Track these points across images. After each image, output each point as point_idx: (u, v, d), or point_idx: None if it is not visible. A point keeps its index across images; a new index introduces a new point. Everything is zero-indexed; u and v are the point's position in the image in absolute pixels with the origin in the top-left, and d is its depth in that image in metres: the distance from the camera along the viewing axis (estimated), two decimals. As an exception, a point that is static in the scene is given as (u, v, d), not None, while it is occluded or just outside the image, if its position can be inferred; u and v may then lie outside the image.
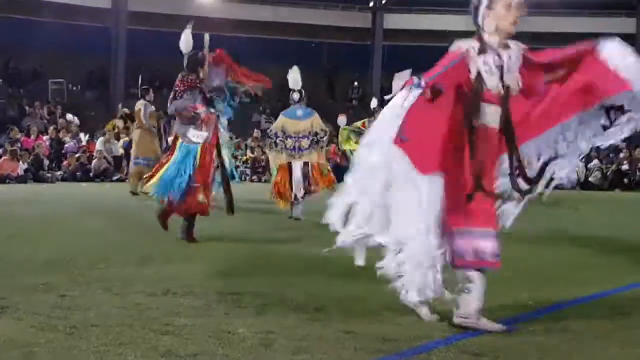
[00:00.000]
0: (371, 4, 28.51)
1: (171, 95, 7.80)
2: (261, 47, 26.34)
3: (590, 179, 22.30)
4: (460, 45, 4.30)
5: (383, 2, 28.57)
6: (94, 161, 19.76)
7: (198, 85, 7.68)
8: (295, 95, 10.55)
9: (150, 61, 26.54)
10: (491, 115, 4.19)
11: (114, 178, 19.42)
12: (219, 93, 7.75)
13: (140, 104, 14.72)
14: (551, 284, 5.62)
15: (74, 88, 26.77)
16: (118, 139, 20.60)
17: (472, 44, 4.27)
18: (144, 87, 16.00)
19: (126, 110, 21.62)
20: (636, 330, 4.23)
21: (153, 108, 14.64)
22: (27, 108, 23.64)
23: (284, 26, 27.11)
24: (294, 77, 10.56)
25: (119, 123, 21.08)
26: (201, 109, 7.57)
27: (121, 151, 20.21)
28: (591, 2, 27.18)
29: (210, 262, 6.31)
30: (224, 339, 3.82)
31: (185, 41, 8.39)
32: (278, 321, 4.20)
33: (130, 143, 19.91)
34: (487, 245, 4.13)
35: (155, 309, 4.44)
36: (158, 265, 6.17)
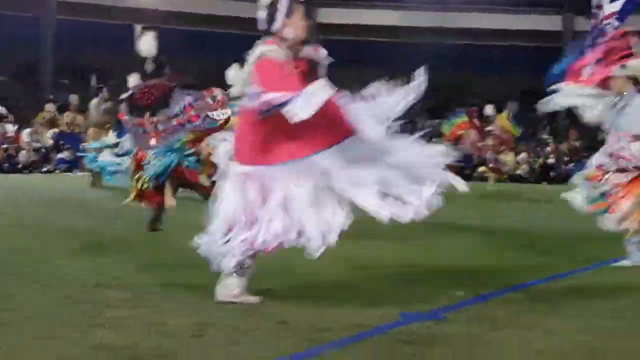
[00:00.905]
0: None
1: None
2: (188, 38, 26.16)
3: (518, 171, 22.72)
4: (276, 55, 4.35)
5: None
6: (21, 152, 19.22)
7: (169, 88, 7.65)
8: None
9: (80, 52, 26.16)
10: None
11: (43, 170, 18.97)
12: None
13: (94, 102, 14.99)
14: (480, 275, 5.72)
15: (2, 79, 26.20)
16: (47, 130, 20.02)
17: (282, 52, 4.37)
18: (98, 85, 16.13)
19: (55, 102, 20.99)
20: (559, 319, 4.31)
21: (108, 105, 14.44)
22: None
23: (220, 18, 26.95)
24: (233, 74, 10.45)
25: (49, 110, 20.32)
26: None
27: (50, 142, 19.71)
28: (520, 0, 27.68)
29: (144, 254, 6.24)
30: (155, 330, 3.78)
31: (146, 47, 8.07)
32: (211, 312, 4.17)
33: (60, 134, 19.63)
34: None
35: (86, 302, 4.36)
36: (89, 257, 6.06)
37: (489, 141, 16.42)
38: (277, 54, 4.34)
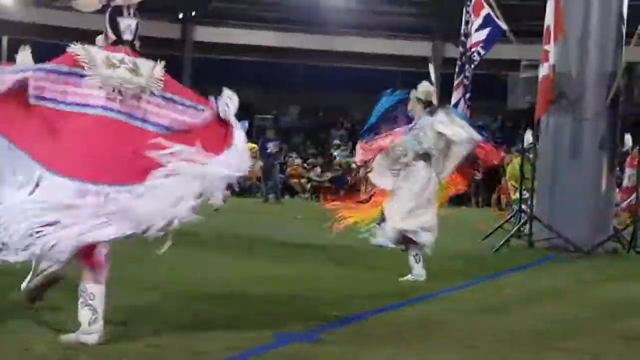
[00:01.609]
0: (181, 16, 28.18)
1: None
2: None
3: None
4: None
5: (193, 14, 28.31)
6: None
7: None
8: None
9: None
10: None
11: None
12: None
13: None
14: (354, 296, 5.78)
15: None
16: None
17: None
18: None
19: None
20: (436, 339, 4.43)
21: None
22: None
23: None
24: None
25: None
26: None
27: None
28: (393, 26, 28.32)
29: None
30: (24, 357, 3.63)
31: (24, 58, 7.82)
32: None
33: None
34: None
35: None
36: None
37: None
38: None
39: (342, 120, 29.47)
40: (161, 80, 4.03)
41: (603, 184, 10.05)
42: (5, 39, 26.31)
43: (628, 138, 14.69)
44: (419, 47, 28.64)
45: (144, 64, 4.05)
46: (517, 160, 13.14)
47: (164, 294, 5.04)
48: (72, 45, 4.01)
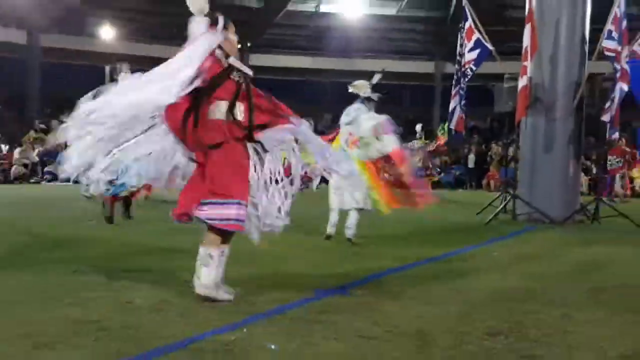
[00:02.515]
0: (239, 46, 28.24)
1: None
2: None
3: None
4: None
5: (249, 45, 28.56)
6: (13, 167, 18.63)
7: None
8: None
9: (61, 88, 25.60)
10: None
11: (31, 180, 18.35)
12: None
13: None
14: (374, 258, 5.77)
15: (-4, 109, 25.39)
16: (33, 148, 19.61)
17: None
18: None
19: (42, 125, 21.10)
20: (438, 293, 4.41)
21: None
22: (-46, 123, 22.18)
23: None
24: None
25: (32, 133, 20.26)
26: None
27: (36, 159, 19.22)
28: (403, 49, 28.22)
29: (113, 246, 6.07)
30: (122, 307, 3.68)
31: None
32: (167, 291, 4.08)
33: (45, 152, 19.17)
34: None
35: (66, 286, 4.20)
36: (68, 249, 5.86)
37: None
38: None
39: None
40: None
41: (571, 170, 9.99)
42: (107, 68, 26.63)
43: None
44: (424, 66, 28.52)
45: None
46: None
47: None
48: None
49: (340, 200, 6.47)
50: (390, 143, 6.24)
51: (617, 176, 15.31)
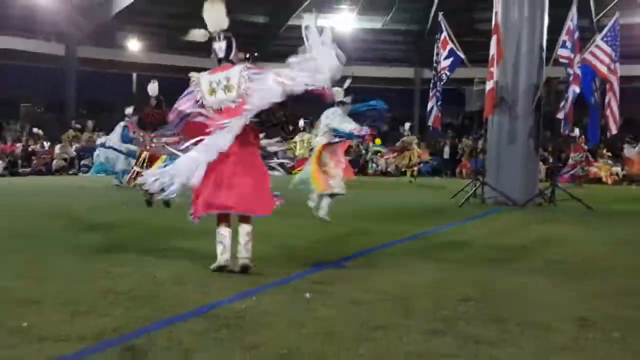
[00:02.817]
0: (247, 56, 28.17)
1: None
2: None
3: (389, 169, 23.06)
4: None
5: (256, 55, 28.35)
6: (54, 161, 18.56)
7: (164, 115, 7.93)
8: None
9: (95, 93, 25.54)
10: None
11: (70, 172, 18.29)
12: None
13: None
14: (364, 236, 5.76)
15: (39, 110, 25.08)
16: (71, 145, 19.57)
17: None
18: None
19: (78, 125, 21.15)
20: (418, 264, 4.40)
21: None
22: (4, 125, 22.05)
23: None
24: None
25: (70, 132, 20.21)
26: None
27: (74, 154, 19.17)
28: (386, 58, 28.01)
29: (141, 228, 6.04)
30: (148, 280, 3.66)
31: (152, 89, 8.45)
32: (188, 267, 4.06)
33: (81, 148, 19.13)
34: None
35: (100, 262, 4.18)
36: (102, 231, 5.83)
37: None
38: None
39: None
40: (249, 68, 3.92)
41: (531, 160, 9.96)
42: (134, 75, 26.60)
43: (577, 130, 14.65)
44: (405, 72, 28.35)
45: (234, 72, 3.89)
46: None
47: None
48: (192, 74, 3.99)
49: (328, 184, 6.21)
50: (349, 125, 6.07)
51: (578, 167, 15.55)
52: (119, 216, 7.05)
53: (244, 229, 3.90)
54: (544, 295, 3.49)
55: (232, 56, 3.99)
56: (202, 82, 3.95)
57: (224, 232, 3.91)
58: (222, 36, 3.98)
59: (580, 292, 3.59)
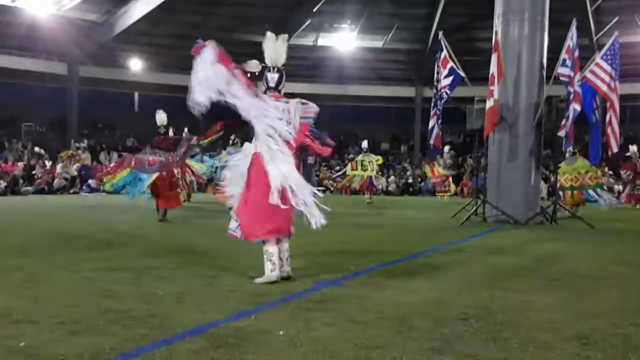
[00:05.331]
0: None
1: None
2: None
3: (389, 188, 23.10)
4: None
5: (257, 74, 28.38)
6: (55, 180, 18.60)
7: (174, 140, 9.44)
8: None
9: (96, 111, 25.66)
10: None
11: (70, 191, 18.33)
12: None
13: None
14: (366, 255, 5.76)
15: (40, 129, 25.20)
16: (72, 164, 19.65)
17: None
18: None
19: (77, 145, 21.32)
20: (419, 282, 4.40)
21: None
22: (6, 144, 22.15)
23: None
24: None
25: (69, 151, 20.36)
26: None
27: (75, 173, 19.22)
28: (386, 76, 28.16)
29: (139, 247, 6.05)
30: (147, 299, 3.67)
31: (160, 119, 9.20)
32: (186, 285, 4.07)
33: (82, 167, 19.21)
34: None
35: (98, 280, 4.20)
36: (100, 250, 5.84)
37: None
38: None
39: (354, 142, 29.40)
40: (303, 104, 4.36)
41: (532, 179, 9.98)
42: (136, 94, 26.82)
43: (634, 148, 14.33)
44: (406, 91, 28.54)
45: (291, 103, 4.31)
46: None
47: (239, 257, 5.02)
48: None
49: None
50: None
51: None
52: (118, 235, 7.06)
53: (284, 246, 4.34)
54: (544, 313, 3.48)
55: (280, 86, 4.37)
56: (266, 98, 4.23)
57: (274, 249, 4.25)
58: (277, 69, 4.35)
59: (581, 310, 3.58)
